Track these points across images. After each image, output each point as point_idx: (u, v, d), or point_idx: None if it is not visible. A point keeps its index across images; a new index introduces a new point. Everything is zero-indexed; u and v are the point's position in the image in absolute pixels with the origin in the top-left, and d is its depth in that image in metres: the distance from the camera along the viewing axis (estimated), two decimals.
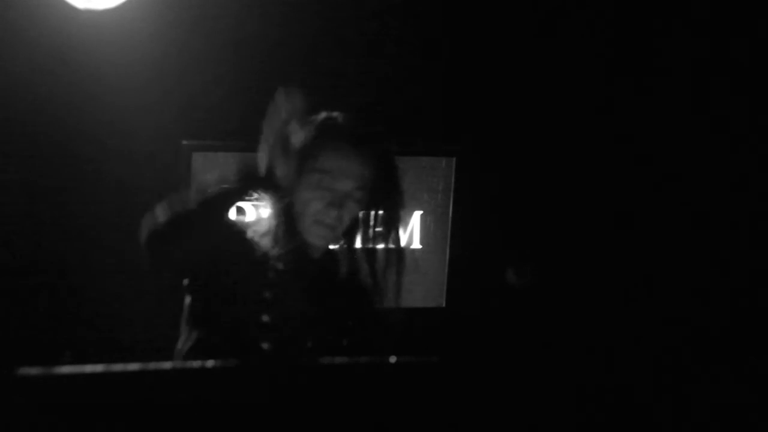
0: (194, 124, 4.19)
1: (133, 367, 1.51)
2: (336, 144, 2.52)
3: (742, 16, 4.58)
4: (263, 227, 2.57)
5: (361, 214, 2.62)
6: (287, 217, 2.53)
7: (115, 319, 4.15)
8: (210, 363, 1.61)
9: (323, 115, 2.58)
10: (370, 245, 2.65)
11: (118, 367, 1.49)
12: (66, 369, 1.45)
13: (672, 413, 1.90)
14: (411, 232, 4.68)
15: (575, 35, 4.66)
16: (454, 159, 4.74)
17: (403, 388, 1.65)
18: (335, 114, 2.59)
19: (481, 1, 4.59)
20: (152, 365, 1.54)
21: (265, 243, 2.53)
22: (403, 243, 2.66)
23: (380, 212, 2.62)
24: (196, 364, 1.65)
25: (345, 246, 2.66)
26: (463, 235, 4.75)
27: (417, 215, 4.68)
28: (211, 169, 3.72)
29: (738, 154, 4.68)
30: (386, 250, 2.62)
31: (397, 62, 4.55)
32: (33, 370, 1.43)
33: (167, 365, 1.56)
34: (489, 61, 4.67)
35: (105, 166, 4.16)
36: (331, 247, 2.65)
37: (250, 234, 2.56)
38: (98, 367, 1.48)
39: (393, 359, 1.64)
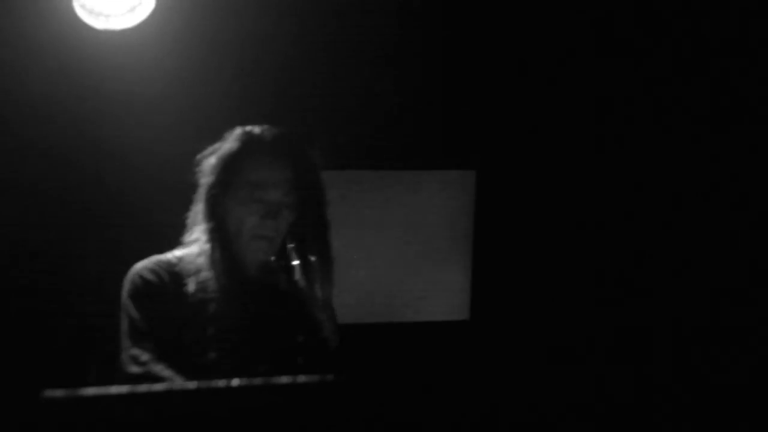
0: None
1: (158, 388, 1.52)
2: (258, 155, 2.53)
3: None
4: (194, 258, 2.52)
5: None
6: (220, 240, 2.51)
7: None
8: (234, 382, 1.61)
9: (239, 129, 2.59)
10: (299, 256, 2.59)
11: (142, 388, 1.50)
12: (91, 391, 1.46)
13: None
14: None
15: (593, 47, 4.65)
16: (474, 172, 4.72)
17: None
18: (253, 127, 2.59)
19: (501, 14, 4.58)
20: (177, 385, 1.54)
21: (199, 275, 2.49)
22: (331, 252, 2.62)
23: (311, 223, 2.58)
24: (220, 383, 1.65)
25: (278, 258, 2.62)
26: (485, 248, 4.73)
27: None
28: None
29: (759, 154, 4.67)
30: (316, 259, 2.58)
31: (414, 73, 4.54)
32: (58, 393, 1.43)
33: (191, 385, 1.56)
34: (508, 72, 4.66)
35: (126, 185, 4.17)
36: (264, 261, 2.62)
37: (182, 272, 2.50)
38: (123, 389, 1.48)
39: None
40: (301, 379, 1.66)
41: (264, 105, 4.11)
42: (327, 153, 4.28)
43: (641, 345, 4.57)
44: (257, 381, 1.68)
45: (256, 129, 2.58)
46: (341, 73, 4.43)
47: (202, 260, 2.50)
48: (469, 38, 4.59)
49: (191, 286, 2.47)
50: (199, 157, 2.59)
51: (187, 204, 2.71)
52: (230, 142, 2.57)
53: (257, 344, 2.50)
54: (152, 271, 2.50)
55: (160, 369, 2.35)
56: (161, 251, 2.61)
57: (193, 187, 2.64)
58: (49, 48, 3.95)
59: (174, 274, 2.49)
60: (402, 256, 4.63)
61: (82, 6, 3.63)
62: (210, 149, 2.58)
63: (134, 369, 2.37)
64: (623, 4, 4.55)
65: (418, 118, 4.55)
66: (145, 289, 2.46)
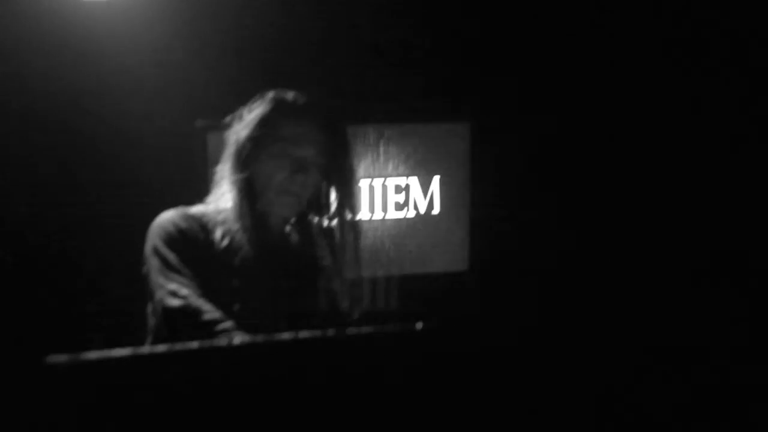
0: (207, 105, 4.19)
1: (161, 349, 1.53)
2: (293, 112, 2.56)
3: None
4: (222, 210, 2.56)
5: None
6: (249, 192, 2.54)
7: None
8: (237, 341, 1.62)
9: (272, 92, 2.61)
10: (328, 218, 2.67)
11: (144, 350, 1.51)
12: (94, 355, 1.47)
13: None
14: (430, 198, 4.69)
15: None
16: (468, 124, 4.73)
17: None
18: (284, 90, 2.61)
19: None
20: (178, 347, 1.55)
21: (227, 226, 2.52)
22: (357, 215, 2.68)
23: (336, 184, 2.64)
24: (221, 342, 1.66)
25: (307, 217, 2.69)
26: (482, 199, 4.75)
27: (435, 180, 4.69)
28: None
29: None
30: (343, 221, 2.64)
31: (411, 29, 4.54)
32: (62, 358, 1.45)
33: (193, 346, 1.57)
34: (500, 23, 4.65)
35: (119, 153, 4.17)
36: (292, 219, 2.68)
37: (208, 224, 2.53)
38: (125, 351, 1.49)
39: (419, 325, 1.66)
40: (311, 334, 1.67)
41: (260, 72, 4.11)
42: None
43: (631, 297, 4.59)
44: (271, 338, 1.67)
45: (288, 92, 2.61)
46: (336, 31, 4.43)
47: (229, 212, 2.54)
48: None
49: (218, 236, 2.50)
50: (229, 117, 2.61)
51: (178, 171, 2.72)
52: (263, 102, 2.59)
53: (279, 300, 2.53)
54: (183, 218, 2.52)
55: (200, 302, 2.37)
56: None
57: (187, 158, 2.67)
58: (36, 18, 3.94)
59: (202, 225, 2.52)
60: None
61: None
62: (241, 110, 2.60)
63: (174, 302, 2.37)
64: None
65: (416, 74, 4.56)
66: (177, 234, 2.48)
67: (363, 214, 4.55)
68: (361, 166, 4.54)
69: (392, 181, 4.62)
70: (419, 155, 4.66)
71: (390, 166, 4.61)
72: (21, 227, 4.09)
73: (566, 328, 1.76)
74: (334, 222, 2.65)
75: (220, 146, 2.65)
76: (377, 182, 4.59)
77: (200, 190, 2.65)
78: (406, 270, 4.68)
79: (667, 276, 4.67)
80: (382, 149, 4.59)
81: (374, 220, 4.61)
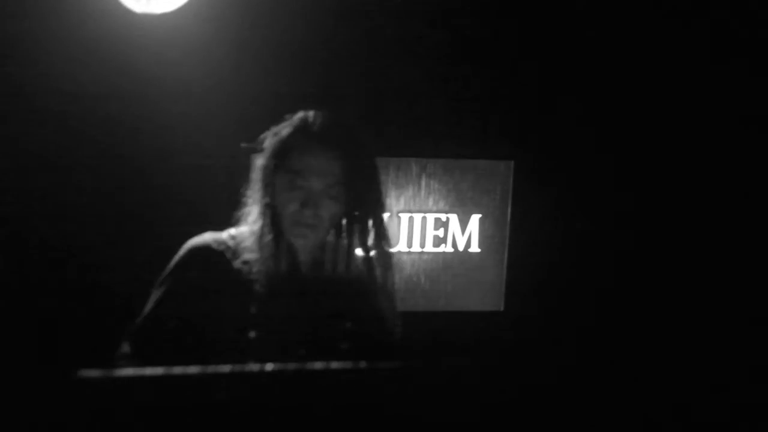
0: (253, 126, 4.18)
1: (193, 370, 1.51)
2: (305, 143, 2.53)
3: None
4: (246, 236, 2.56)
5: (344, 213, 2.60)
6: (271, 220, 2.53)
7: None
8: (270, 366, 1.61)
9: (299, 114, 2.59)
10: (359, 246, 2.63)
11: (177, 370, 1.49)
12: (126, 372, 1.46)
13: None
14: (469, 236, 4.66)
15: (628, 42, 4.63)
16: (512, 162, 4.71)
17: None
18: (311, 113, 2.59)
19: (542, 8, 4.56)
20: (211, 369, 1.54)
21: (248, 255, 2.52)
22: (388, 244, 2.64)
23: (359, 216, 2.60)
24: (254, 367, 1.65)
25: (333, 245, 2.63)
26: (521, 239, 4.72)
27: (475, 219, 4.66)
28: None
29: None
30: (369, 253, 2.61)
31: (457, 66, 4.53)
32: (94, 373, 1.43)
33: (225, 369, 1.56)
34: (545, 63, 4.64)
35: (165, 169, 4.17)
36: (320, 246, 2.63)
37: (236, 248, 2.55)
38: (158, 371, 1.48)
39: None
40: (329, 365, 1.65)
41: (302, 91, 4.10)
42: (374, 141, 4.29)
43: (669, 340, 4.56)
44: (286, 366, 1.66)
45: (311, 115, 2.58)
46: (381, 63, 4.43)
47: (252, 240, 2.53)
48: (508, 29, 4.58)
49: (239, 264, 2.51)
50: (261, 137, 2.61)
51: (223, 188, 2.71)
52: (285, 126, 2.58)
53: (299, 328, 2.52)
54: (206, 246, 2.56)
55: (144, 341, 2.49)
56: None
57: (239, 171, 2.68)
58: (88, 30, 3.96)
59: (227, 251, 2.54)
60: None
61: None
62: (272, 130, 2.60)
63: (119, 353, 2.47)
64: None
65: (462, 109, 4.56)
66: (195, 262, 2.53)
67: (400, 247, 4.54)
68: (402, 199, 4.53)
69: (432, 216, 4.60)
70: (461, 191, 4.64)
71: (431, 201, 4.59)
72: (65, 246, 4.09)
73: (602, 374, 1.73)
74: (365, 252, 2.62)
75: None
76: (417, 216, 4.57)
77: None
78: (440, 306, 4.65)
79: (714, 318, 4.63)
80: (423, 183, 4.57)
81: (412, 253, 4.58)
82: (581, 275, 4.74)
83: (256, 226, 2.54)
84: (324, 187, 2.50)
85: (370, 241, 2.60)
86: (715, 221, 4.79)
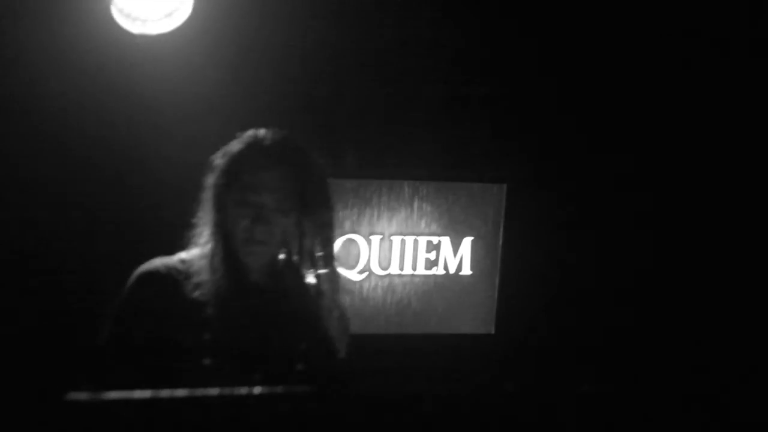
0: None
1: (181, 393, 1.53)
2: (257, 158, 2.51)
3: None
4: (197, 259, 2.52)
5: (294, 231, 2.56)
6: (222, 241, 2.50)
7: None
8: (257, 390, 1.62)
9: (249, 132, 2.58)
10: (309, 266, 2.59)
11: (165, 393, 1.50)
12: (114, 395, 1.47)
13: None
14: (461, 259, 4.68)
15: (625, 60, 4.65)
16: (504, 185, 4.72)
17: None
18: (262, 130, 2.58)
19: (533, 25, 4.58)
20: (200, 392, 1.55)
21: (199, 278, 2.48)
22: (336, 265, 2.61)
23: (308, 233, 2.56)
24: (244, 390, 1.66)
25: (282, 264, 2.61)
26: (513, 262, 4.73)
27: (467, 241, 4.68)
28: None
29: None
30: (318, 272, 2.57)
31: (448, 86, 4.55)
32: (82, 396, 1.44)
33: (215, 392, 1.57)
34: (538, 85, 4.66)
35: (156, 191, 4.18)
36: (269, 265, 2.60)
37: (187, 272, 2.50)
38: (146, 393, 1.49)
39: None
40: (288, 389, 1.66)
41: (297, 113, 4.12)
42: (359, 161, 4.30)
43: (666, 359, 4.56)
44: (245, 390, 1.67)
45: (261, 132, 2.57)
46: (380, 83, 4.44)
47: (203, 262, 2.50)
48: (501, 52, 4.60)
49: (190, 288, 2.46)
50: (211, 157, 2.59)
51: None
52: (235, 143, 2.57)
53: (255, 350, 2.49)
54: (156, 272, 2.51)
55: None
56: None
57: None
58: (84, 51, 3.96)
59: (178, 276, 2.49)
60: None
61: (120, 10, 3.65)
62: (221, 150, 2.58)
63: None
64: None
65: (454, 132, 4.57)
66: (146, 289, 2.48)
67: (392, 269, 4.56)
68: (394, 222, 4.55)
69: (424, 239, 4.62)
70: (453, 214, 4.65)
71: (423, 224, 4.61)
72: (82, 265, 4.09)
73: (594, 397, 1.74)
74: (314, 272, 2.58)
75: None
76: (409, 239, 4.58)
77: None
78: (431, 329, 4.66)
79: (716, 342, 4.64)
80: (416, 206, 4.59)
81: (404, 276, 4.59)
82: (573, 298, 4.75)
83: (208, 248, 2.51)
84: (276, 202, 2.48)
85: (320, 260, 2.57)
86: (712, 242, 4.80)
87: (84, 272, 4.08)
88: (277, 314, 2.56)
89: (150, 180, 4.17)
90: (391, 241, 4.55)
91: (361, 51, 4.40)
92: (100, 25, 3.82)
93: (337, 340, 2.61)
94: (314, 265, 2.57)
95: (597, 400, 1.80)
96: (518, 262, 4.74)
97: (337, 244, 2.67)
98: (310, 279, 2.58)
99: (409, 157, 4.55)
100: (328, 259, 2.59)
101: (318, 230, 2.57)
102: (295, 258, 2.59)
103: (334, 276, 2.60)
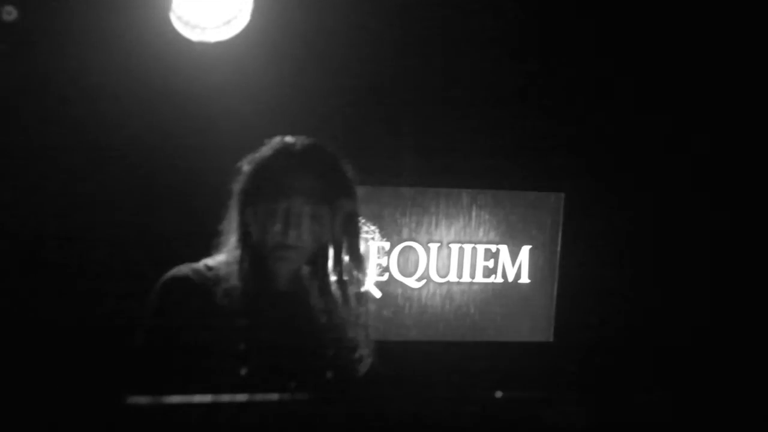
0: None
1: (241, 398, 1.52)
2: (288, 163, 2.49)
3: None
4: (225, 266, 2.48)
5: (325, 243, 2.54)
6: (251, 248, 2.47)
7: None
8: (314, 395, 1.62)
9: (277, 138, 2.56)
10: (335, 273, 2.56)
11: (225, 398, 1.50)
12: (175, 399, 1.47)
13: None
14: (519, 267, 4.66)
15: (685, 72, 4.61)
16: (562, 194, 4.70)
17: None
18: (289, 137, 2.56)
19: (593, 32, 4.56)
20: (258, 397, 1.55)
21: (229, 286, 2.43)
22: (364, 272, 2.59)
23: (336, 239, 2.53)
24: (302, 396, 1.66)
25: (311, 273, 2.58)
26: (571, 270, 4.71)
27: (526, 250, 4.66)
28: None
29: None
30: (342, 278, 2.55)
31: (508, 97, 4.54)
32: (142, 400, 1.45)
33: (273, 397, 1.57)
34: (596, 96, 4.63)
35: (214, 197, 4.19)
36: (298, 275, 2.57)
37: (209, 278, 2.45)
38: (206, 398, 1.49)
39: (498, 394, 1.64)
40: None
41: (356, 120, 4.13)
42: (418, 171, 4.28)
43: (726, 371, 4.51)
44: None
45: (289, 138, 2.56)
46: (441, 92, 4.45)
47: (232, 269, 2.46)
48: (559, 62, 4.58)
49: (220, 295, 2.42)
50: (237, 164, 2.56)
51: None
52: (264, 150, 2.55)
53: (287, 359, 2.46)
54: (187, 278, 2.45)
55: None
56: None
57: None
58: (144, 59, 3.99)
59: (207, 283, 2.45)
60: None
61: (179, 18, 3.68)
62: (247, 157, 2.56)
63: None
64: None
65: (514, 141, 4.56)
66: (177, 297, 2.43)
67: (451, 277, 4.55)
68: (452, 230, 4.54)
69: (482, 247, 4.60)
70: (511, 223, 4.64)
71: (481, 232, 4.60)
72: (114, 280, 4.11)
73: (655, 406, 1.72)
74: (340, 279, 2.56)
75: None
76: (467, 247, 4.57)
77: None
78: (489, 337, 4.65)
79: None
80: (474, 214, 4.58)
81: (462, 284, 4.59)
82: (631, 306, 4.71)
83: (235, 254, 2.48)
84: (307, 207, 2.45)
85: (347, 266, 2.55)
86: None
87: (125, 278, 4.11)
88: (304, 321, 2.54)
89: (206, 189, 4.19)
90: (449, 248, 4.55)
91: (423, 56, 4.40)
92: (159, 32, 3.85)
93: (363, 346, 2.58)
94: (342, 272, 2.55)
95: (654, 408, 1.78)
96: (576, 270, 4.72)
97: (366, 249, 2.66)
98: (337, 286, 2.56)
99: (467, 166, 4.54)
100: (356, 265, 2.57)
101: (346, 236, 2.55)
102: (321, 263, 2.57)
103: (360, 282, 2.58)
